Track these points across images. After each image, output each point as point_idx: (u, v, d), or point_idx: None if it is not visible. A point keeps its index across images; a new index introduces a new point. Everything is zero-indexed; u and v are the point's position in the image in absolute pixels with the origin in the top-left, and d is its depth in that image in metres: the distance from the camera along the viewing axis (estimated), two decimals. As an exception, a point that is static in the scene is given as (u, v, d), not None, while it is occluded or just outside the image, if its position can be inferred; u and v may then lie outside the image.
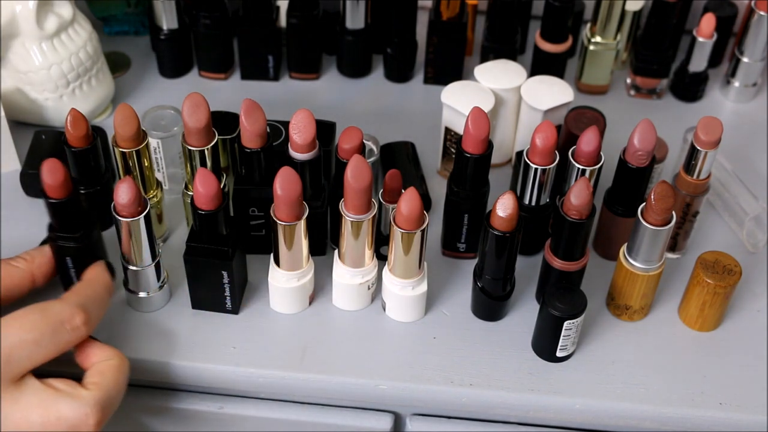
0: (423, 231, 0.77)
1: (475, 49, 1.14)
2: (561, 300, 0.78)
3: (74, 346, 0.74)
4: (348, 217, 0.77)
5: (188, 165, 0.83)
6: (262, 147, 0.81)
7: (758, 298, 0.88)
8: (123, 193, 0.75)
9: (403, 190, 0.79)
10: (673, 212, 0.78)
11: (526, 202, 0.85)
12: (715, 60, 1.13)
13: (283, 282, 0.82)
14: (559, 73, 1.05)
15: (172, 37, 1.06)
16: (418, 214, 0.76)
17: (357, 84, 1.11)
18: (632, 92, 1.10)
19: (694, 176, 0.85)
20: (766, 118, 1.08)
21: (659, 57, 1.07)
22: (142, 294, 0.82)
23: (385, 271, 0.82)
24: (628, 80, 1.10)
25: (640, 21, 1.11)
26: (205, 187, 0.75)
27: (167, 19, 1.04)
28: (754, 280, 0.89)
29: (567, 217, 0.79)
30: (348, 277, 0.82)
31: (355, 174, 0.75)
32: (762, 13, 1.03)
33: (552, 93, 0.92)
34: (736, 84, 1.09)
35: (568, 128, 0.91)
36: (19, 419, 0.69)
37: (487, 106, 0.90)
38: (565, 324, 0.78)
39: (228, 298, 0.82)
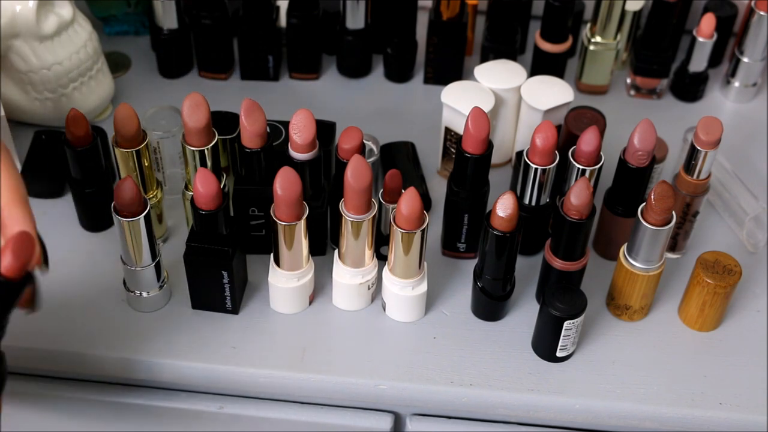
0: (423, 231, 0.77)
1: (475, 49, 1.14)
2: (561, 300, 0.78)
3: None
4: (348, 217, 0.77)
5: (188, 165, 0.83)
6: (262, 147, 0.81)
7: (758, 298, 0.88)
8: (123, 193, 0.75)
9: (403, 190, 0.79)
10: (673, 212, 0.78)
11: (526, 202, 0.85)
12: (715, 60, 1.13)
13: (283, 282, 0.81)
14: (559, 73, 1.05)
15: (172, 37, 1.06)
16: (418, 214, 0.76)
17: (357, 84, 1.10)
18: (632, 92, 1.10)
19: (694, 176, 0.85)
20: (766, 118, 1.08)
21: (659, 57, 1.07)
22: (142, 294, 0.82)
23: (385, 271, 0.82)
24: (628, 80, 1.10)
25: (640, 21, 1.11)
26: (205, 187, 0.75)
27: (167, 19, 1.04)
28: (754, 280, 0.89)
29: (567, 217, 0.79)
30: (348, 277, 0.82)
31: (355, 174, 0.75)
32: (762, 13, 1.03)
33: (552, 93, 0.92)
34: (736, 84, 1.09)
35: (568, 128, 0.91)
36: None
37: (487, 106, 0.90)
38: (565, 324, 0.78)
39: (228, 298, 0.82)
